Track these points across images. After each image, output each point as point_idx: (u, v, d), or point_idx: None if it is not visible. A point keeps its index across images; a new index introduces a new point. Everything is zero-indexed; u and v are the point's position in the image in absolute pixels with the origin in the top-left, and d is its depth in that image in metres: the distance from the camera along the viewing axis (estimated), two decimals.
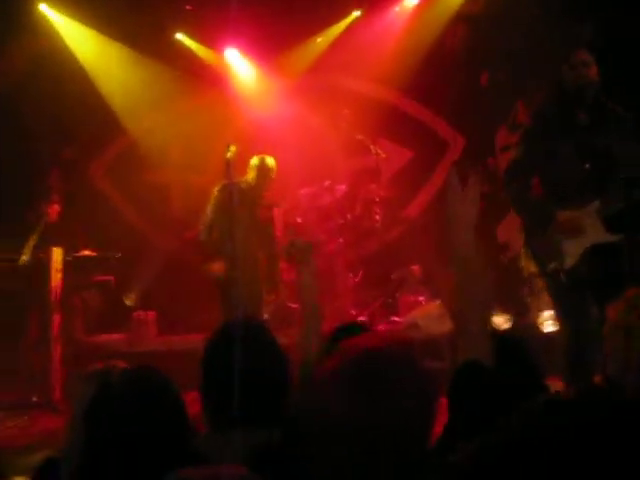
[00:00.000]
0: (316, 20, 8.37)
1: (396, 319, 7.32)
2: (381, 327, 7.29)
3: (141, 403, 1.78)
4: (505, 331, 6.26)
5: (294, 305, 7.30)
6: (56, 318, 6.22)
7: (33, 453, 4.48)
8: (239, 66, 8.56)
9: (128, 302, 7.77)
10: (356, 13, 8.46)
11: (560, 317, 4.33)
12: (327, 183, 7.57)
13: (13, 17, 7.69)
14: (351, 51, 8.23)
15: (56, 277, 6.18)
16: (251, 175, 6.07)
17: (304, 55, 8.55)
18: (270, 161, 6.12)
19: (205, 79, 8.21)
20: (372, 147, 7.25)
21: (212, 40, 8.30)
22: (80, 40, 8.23)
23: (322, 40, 8.59)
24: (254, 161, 6.10)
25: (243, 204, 5.71)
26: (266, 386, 1.95)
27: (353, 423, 1.40)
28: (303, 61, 8.52)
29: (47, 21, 8.06)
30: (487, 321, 6.42)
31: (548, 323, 6.36)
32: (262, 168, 6.06)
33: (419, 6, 8.25)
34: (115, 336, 7.41)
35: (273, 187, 6.19)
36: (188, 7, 8.37)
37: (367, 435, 1.36)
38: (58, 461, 2.24)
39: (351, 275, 7.52)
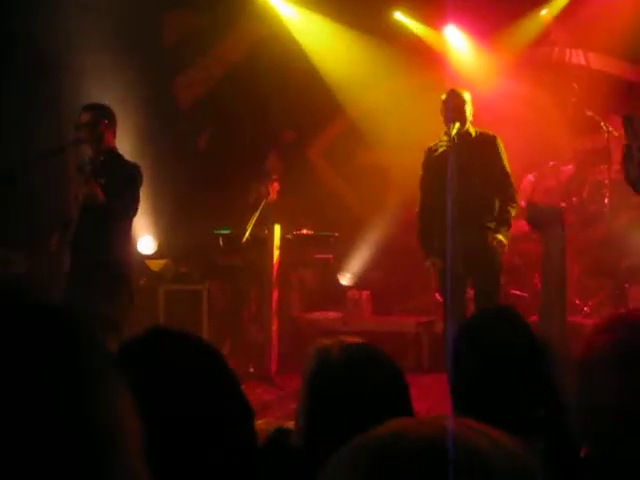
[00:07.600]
0: None
1: None
2: None
3: (359, 376, 1.74)
4: None
5: (516, 292, 6.95)
6: (275, 294, 6.38)
7: None
8: (458, 43, 8.31)
9: (343, 281, 7.83)
10: None
11: None
12: (552, 164, 7.14)
13: (234, 3, 7.97)
14: (580, 22, 7.71)
15: (275, 254, 6.34)
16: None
17: (527, 28, 8.16)
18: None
19: (424, 57, 8.04)
20: (603, 124, 6.72)
21: (431, 18, 8.12)
22: (299, 22, 8.37)
23: (547, 11, 8.13)
24: None
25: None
26: (518, 379, 1.76)
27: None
28: (526, 35, 8.13)
29: (267, 5, 8.27)
30: None
31: None
32: None
33: None
34: (330, 314, 7.50)
35: None
36: None
37: None
38: (288, 432, 2.24)
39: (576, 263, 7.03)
